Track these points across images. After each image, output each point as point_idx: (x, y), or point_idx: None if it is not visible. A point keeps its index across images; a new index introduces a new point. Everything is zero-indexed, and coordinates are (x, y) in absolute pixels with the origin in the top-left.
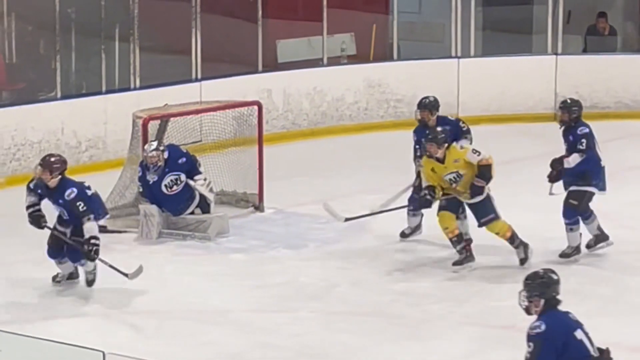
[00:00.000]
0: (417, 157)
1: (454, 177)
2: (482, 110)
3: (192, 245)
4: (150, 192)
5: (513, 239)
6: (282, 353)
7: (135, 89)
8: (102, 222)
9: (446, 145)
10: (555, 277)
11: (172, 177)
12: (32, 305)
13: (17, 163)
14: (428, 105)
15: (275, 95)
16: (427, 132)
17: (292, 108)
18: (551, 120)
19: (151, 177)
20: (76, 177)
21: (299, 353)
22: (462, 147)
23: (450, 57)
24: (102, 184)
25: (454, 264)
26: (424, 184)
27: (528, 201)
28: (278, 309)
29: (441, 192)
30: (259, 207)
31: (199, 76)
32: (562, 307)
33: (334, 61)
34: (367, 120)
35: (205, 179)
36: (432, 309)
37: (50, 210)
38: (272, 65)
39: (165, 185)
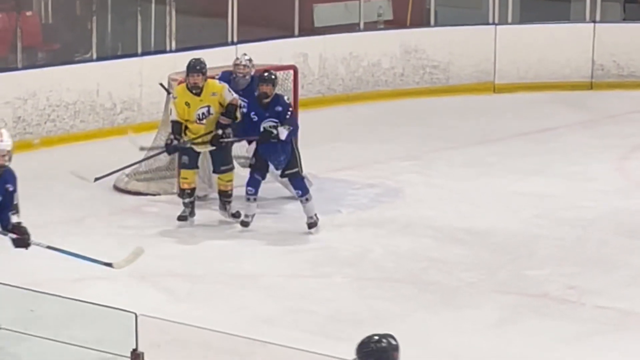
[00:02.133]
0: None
1: (204, 113)
2: (519, 78)
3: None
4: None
5: (231, 195)
6: (314, 318)
7: (170, 51)
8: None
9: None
10: (393, 343)
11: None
12: (65, 267)
13: (52, 124)
14: (273, 80)
15: (311, 59)
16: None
17: (327, 73)
18: (587, 88)
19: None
20: (111, 139)
21: (332, 319)
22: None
23: (488, 23)
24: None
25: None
26: (171, 122)
27: (562, 169)
28: (311, 274)
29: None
30: None
31: (235, 39)
32: None
33: (371, 26)
34: (403, 86)
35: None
36: (465, 276)
37: None
38: (309, 29)
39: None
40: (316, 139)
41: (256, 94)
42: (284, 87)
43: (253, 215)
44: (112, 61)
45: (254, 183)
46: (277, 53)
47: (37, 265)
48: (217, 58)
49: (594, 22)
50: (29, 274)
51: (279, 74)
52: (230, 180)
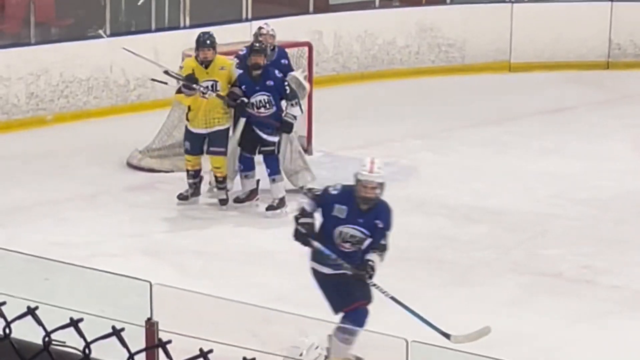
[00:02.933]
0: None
1: (208, 87)
2: (535, 57)
3: (237, 187)
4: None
5: (225, 180)
6: None
7: (185, 27)
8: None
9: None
10: None
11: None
12: (80, 243)
13: (65, 100)
14: (264, 49)
15: (325, 37)
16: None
17: (342, 51)
18: (604, 68)
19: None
20: (125, 116)
21: None
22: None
23: (504, 1)
24: (150, 123)
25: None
26: (186, 77)
27: (578, 149)
28: None
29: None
30: (307, 150)
31: (249, 16)
32: None
33: (386, 4)
34: (418, 64)
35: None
36: (479, 255)
37: None
38: (324, 6)
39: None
40: (330, 117)
41: (248, 64)
42: (298, 64)
43: (247, 194)
44: (126, 37)
45: (245, 160)
46: (291, 30)
47: (50, 241)
48: (231, 34)
49: (612, 0)
50: (42, 252)
51: (293, 50)
52: (219, 167)
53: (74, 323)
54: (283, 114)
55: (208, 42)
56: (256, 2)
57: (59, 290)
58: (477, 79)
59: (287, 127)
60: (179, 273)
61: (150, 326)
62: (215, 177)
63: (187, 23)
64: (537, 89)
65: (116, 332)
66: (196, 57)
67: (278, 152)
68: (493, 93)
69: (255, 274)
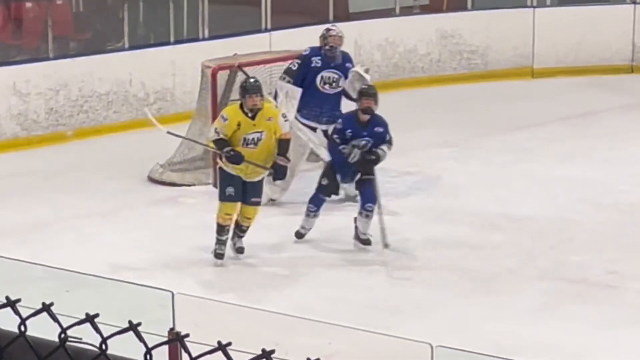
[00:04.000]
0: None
1: (254, 139)
2: (558, 62)
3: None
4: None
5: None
6: (352, 307)
7: (203, 39)
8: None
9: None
10: None
11: (334, 74)
12: (102, 259)
13: (85, 115)
14: (374, 95)
15: (346, 46)
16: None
17: (363, 60)
18: (628, 72)
19: (318, 63)
20: (144, 130)
21: (370, 307)
22: (276, 106)
23: (526, 6)
24: (171, 137)
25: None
26: (217, 136)
27: (603, 154)
28: (348, 262)
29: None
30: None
31: (269, 26)
32: None
33: (407, 11)
34: (440, 72)
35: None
36: (505, 263)
37: None
38: (343, 15)
39: (322, 77)
40: None
41: (357, 108)
42: None
43: (310, 229)
44: (145, 50)
45: (317, 202)
46: (311, 40)
47: (71, 256)
48: (250, 46)
49: (634, 3)
50: (63, 265)
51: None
52: (251, 218)
53: (90, 319)
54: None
55: (257, 86)
56: (275, 13)
57: (79, 302)
58: (500, 86)
59: (368, 168)
60: (202, 287)
61: (173, 336)
62: (242, 226)
63: (206, 34)
64: (561, 95)
65: (133, 327)
66: (241, 105)
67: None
68: (516, 99)
69: (280, 286)
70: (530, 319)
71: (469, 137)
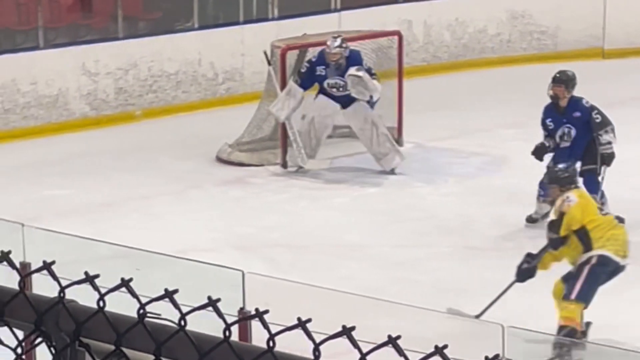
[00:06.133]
0: (545, 137)
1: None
2: (629, 43)
3: (326, 179)
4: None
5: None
6: (419, 288)
7: (273, 19)
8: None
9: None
10: None
11: (339, 81)
12: (170, 238)
13: (154, 95)
14: (564, 80)
15: (415, 26)
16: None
17: (432, 40)
18: None
19: (322, 72)
20: (213, 110)
21: (437, 288)
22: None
23: None
24: (240, 117)
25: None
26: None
27: None
28: (415, 244)
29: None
30: (398, 141)
31: (338, 6)
32: None
33: None
34: (510, 53)
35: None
36: None
37: None
38: None
39: (328, 84)
40: (421, 108)
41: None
42: (388, 54)
43: (543, 214)
44: (214, 30)
45: (544, 185)
46: (380, 20)
47: (140, 235)
48: (319, 26)
49: None
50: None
51: (383, 41)
52: (569, 317)
53: (170, 294)
54: (601, 147)
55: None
56: None
57: (150, 281)
58: (570, 67)
59: (609, 159)
60: (270, 267)
61: (243, 316)
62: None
63: (276, 14)
64: (632, 75)
65: (212, 303)
66: None
67: (598, 174)
68: (586, 80)
69: (347, 268)
70: (597, 301)
71: (538, 118)
